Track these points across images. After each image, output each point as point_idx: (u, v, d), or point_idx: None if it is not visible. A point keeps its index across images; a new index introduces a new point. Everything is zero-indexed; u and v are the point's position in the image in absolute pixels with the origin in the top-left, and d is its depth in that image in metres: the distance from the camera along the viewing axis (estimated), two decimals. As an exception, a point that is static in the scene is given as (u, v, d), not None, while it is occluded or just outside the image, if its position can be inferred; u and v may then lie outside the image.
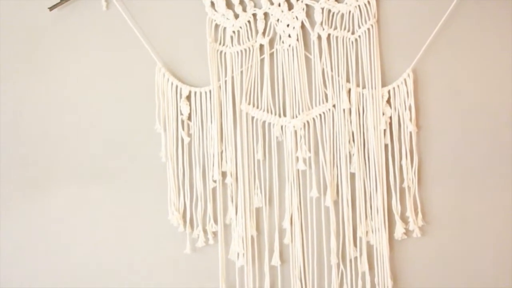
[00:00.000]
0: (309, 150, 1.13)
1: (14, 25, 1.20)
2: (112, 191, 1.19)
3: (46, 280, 1.21)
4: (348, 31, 1.13)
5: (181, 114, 1.16)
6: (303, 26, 1.13)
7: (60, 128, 1.20)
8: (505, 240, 1.13)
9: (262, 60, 1.14)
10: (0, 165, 1.21)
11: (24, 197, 1.21)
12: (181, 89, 1.16)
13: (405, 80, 1.12)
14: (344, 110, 1.13)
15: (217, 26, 1.15)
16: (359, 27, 1.12)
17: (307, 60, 1.14)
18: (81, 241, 1.20)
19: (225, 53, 1.15)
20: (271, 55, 1.14)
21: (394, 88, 1.13)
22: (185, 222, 1.16)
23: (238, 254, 1.15)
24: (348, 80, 1.13)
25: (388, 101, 1.13)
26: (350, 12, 1.12)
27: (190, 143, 1.16)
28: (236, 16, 1.14)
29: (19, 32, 1.20)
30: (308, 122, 1.14)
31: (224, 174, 1.15)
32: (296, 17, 1.13)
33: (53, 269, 1.21)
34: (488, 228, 1.13)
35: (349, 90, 1.13)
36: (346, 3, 1.12)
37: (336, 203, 1.13)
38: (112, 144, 1.19)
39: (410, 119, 1.12)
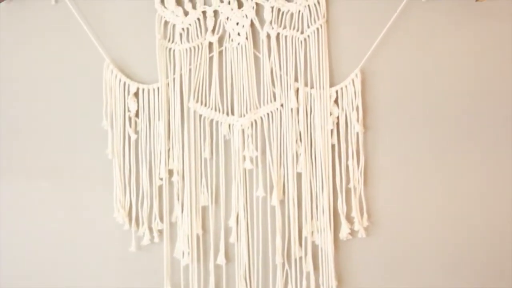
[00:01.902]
0: (256, 149, 1.13)
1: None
2: (58, 187, 1.17)
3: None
4: (297, 30, 1.13)
5: (129, 111, 1.15)
6: (252, 24, 1.13)
7: (8, 122, 1.18)
8: (447, 240, 1.13)
9: (211, 58, 1.14)
10: None
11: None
12: (129, 85, 1.14)
13: (352, 80, 1.12)
14: (291, 109, 1.12)
15: (166, 23, 1.14)
16: (308, 27, 1.12)
17: (256, 58, 1.13)
18: (26, 237, 1.18)
19: (174, 50, 1.14)
20: (220, 53, 1.14)
21: (342, 88, 1.13)
22: (130, 220, 1.15)
23: (183, 252, 1.14)
24: (296, 80, 1.13)
25: (336, 101, 1.13)
26: (299, 11, 1.12)
27: (137, 140, 1.15)
28: (186, 13, 1.13)
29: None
30: (255, 121, 1.13)
31: (170, 172, 1.14)
32: (246, 16, 1.12)
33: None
34: (432, 229, 1.13)
35: (297, 90, 1.13)
36: (296, 3, 1.12)
37: (282, 202, 1.13)
38: (59, 140, 1.17)
39: (357, 120, 1.12)
